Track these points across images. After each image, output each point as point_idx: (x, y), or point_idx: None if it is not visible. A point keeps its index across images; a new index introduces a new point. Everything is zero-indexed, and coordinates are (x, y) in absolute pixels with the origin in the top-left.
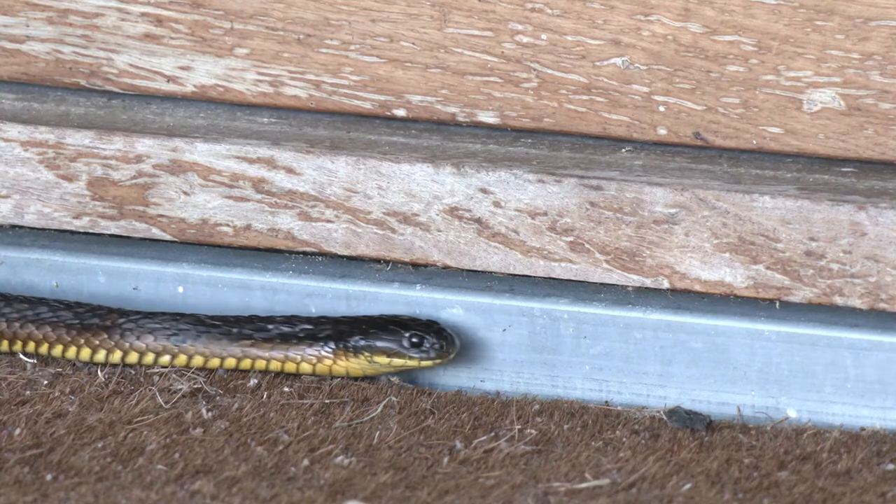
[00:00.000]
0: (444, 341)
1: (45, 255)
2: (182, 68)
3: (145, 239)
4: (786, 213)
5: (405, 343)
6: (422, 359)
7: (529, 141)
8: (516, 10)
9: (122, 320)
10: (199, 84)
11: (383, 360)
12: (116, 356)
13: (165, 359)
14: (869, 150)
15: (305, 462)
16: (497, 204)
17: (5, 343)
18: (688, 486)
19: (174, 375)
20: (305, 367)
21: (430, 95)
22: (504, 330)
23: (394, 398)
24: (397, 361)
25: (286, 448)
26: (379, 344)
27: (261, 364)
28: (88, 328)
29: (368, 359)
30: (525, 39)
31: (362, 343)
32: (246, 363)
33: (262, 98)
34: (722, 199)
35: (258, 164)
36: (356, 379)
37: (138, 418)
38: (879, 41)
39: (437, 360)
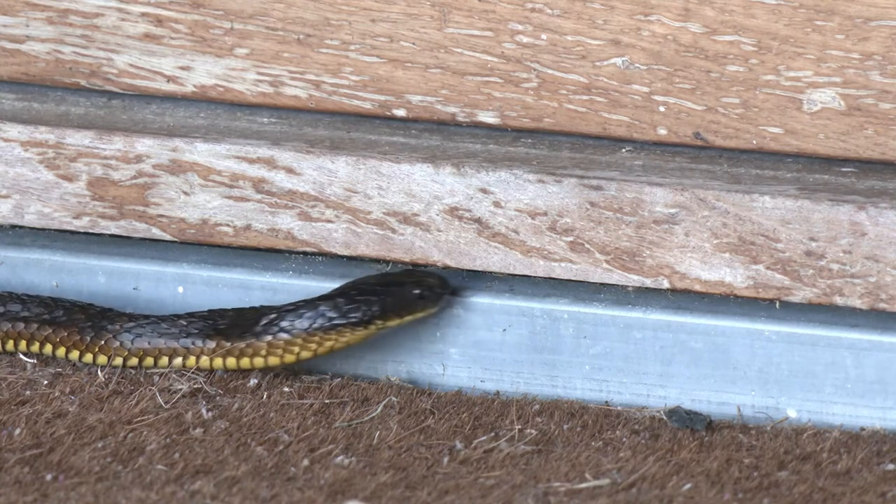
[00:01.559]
0: (440, 281)
1: (45, 255)
2: (182, 68)
3: (145, 239)
4: (786, 213)
5: (412, 298)
6: (428, 307)
7: (529, 141)
8: (516, 10)
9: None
10: (199, 84)
11: (395, 321)
12: (117, 361)
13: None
14: (869, 150)
15: (305, 462)
16: (497, 204)
17: None
18: (688, 486)
19: (174, 375)
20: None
21: (431, 95)
22: (504, 330)
23: (394, 398)
24: (408, 318)
25: (286, 448)
26: (390, 309)
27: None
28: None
29: (380, 326)
30: (525, 39)
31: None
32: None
33: (262, 98)
34: (722, 199)
35: (258, 164)
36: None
37: (138, 418)
38: (879, 41)
39: (440, 304)
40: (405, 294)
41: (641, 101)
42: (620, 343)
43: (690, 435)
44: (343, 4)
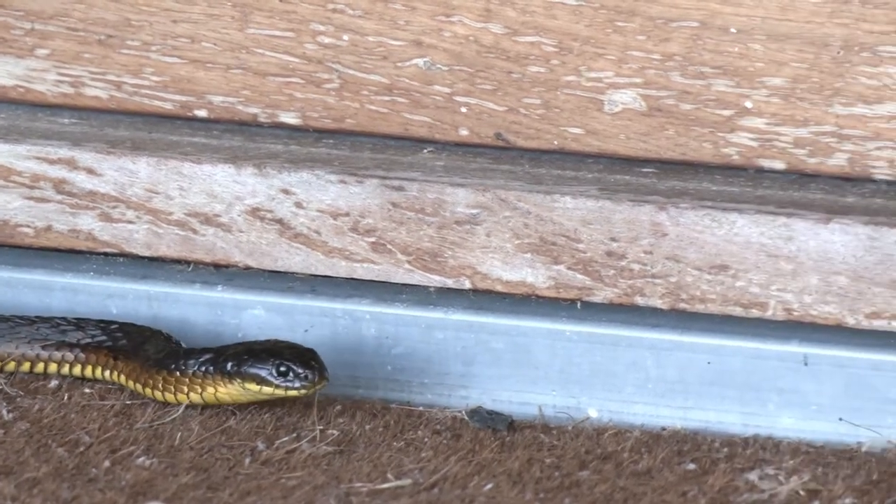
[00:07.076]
0: (311, 371)
1: None
2: None
3: None
4: (587, 213)
5: (273, 371)
6: (288, 388)
7: (331, 142)
8: (318, 11)
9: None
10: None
11: (254, 387)
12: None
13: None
14: (669, 150)
15: (107, 463)
16: (299, 205)
17: None
18: (489, 485)
19: None
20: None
21: (232, 96)
22: (306, 331)
23: None
24: (266, 390)
25: (87, 449)
26: (251, 371)
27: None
28: None
29: (241, 385)
30: (327, 40)
31: (235, 368)
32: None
33: (62, 99)
34: (523, 199)
35: (59, 165)
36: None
37: None
38: (680, 42)
39: (304, 391)
40: (269, 366)
41: (443, 101)
42: (422, 343)
43: (492, 435)
44: (144, 5)
